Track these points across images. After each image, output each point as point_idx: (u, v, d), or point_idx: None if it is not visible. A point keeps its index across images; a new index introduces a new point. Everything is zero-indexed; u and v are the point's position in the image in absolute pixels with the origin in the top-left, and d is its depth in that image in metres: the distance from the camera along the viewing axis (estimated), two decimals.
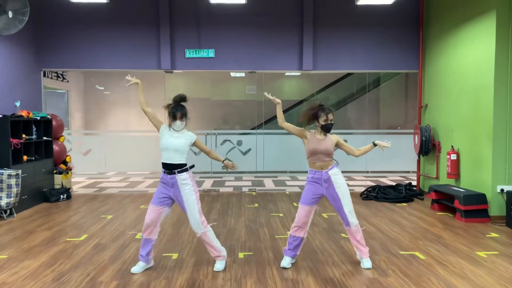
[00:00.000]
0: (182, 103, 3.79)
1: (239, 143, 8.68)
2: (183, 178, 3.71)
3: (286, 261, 3.93)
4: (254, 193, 8.09)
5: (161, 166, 3.80)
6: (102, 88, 13.13)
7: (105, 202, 7.13)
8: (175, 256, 4.28)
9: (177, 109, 3.74)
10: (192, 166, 3.82)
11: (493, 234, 5.06)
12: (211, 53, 7.93)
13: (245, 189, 8.49)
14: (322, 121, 3.78)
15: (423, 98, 7.92)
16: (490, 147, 5.69)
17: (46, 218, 5.96)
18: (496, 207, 5.67)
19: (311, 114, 3.83)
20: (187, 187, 3.72)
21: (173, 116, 3.74)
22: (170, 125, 3.79)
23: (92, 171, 9.88)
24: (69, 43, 7.89)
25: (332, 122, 3.79)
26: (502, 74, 5.61)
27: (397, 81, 11.73)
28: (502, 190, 5.63)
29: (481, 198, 5.66)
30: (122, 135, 9.44)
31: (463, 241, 4.79)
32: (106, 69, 8.04)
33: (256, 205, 6.93)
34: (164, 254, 4.32)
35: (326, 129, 3.81)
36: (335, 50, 8.02)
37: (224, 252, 3.91)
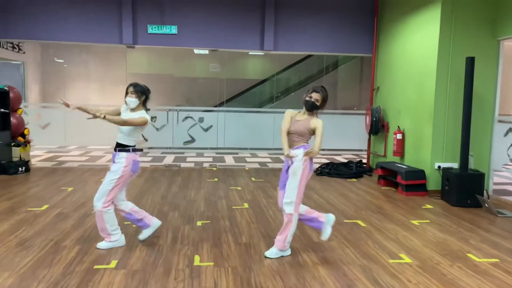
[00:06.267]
0: (141, 87, 3.78)
1: (201, 120, 8.89)
2: (120, 156, 3.69)
3: None
4: (214, 168, 8.37)
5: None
6: (62, 61, 12.76)
7: (65, 176, 7.19)
8: None
9: (131, 85, 3.76)
10: (140, 150, 3.81)
11: (428, 206, 5.65)
12: (173, 29, 8.00)
13: (206, 165, 8.76)
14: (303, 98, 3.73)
15: (376, 81, 8.42)
16: (431, 128, 6.25)
17: (4, 190, 5.98)
18: (433, 182, 6.28)
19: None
20: (118, 165, 3.67)
21: (125, 92, 3.79)
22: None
23: (52, 145, 9.77)
24: (23, 12, 7.68)
25: (312, 99, 3.61)
26: (444, 62, 6.12)
27: (354, 64, 12.25)
28: (439, 167, 6.23)
29: (420, 174, 6.25)
30: None
31: (401, 211, 5.34)
32: (63, 41, 7.93)
33: (216, 179, 7.23)
34: (125, 223, 4.54)
35: (305, 105, 3.67)
36: (296, 32, 8.32)
37: (117, 237, 3.78)
